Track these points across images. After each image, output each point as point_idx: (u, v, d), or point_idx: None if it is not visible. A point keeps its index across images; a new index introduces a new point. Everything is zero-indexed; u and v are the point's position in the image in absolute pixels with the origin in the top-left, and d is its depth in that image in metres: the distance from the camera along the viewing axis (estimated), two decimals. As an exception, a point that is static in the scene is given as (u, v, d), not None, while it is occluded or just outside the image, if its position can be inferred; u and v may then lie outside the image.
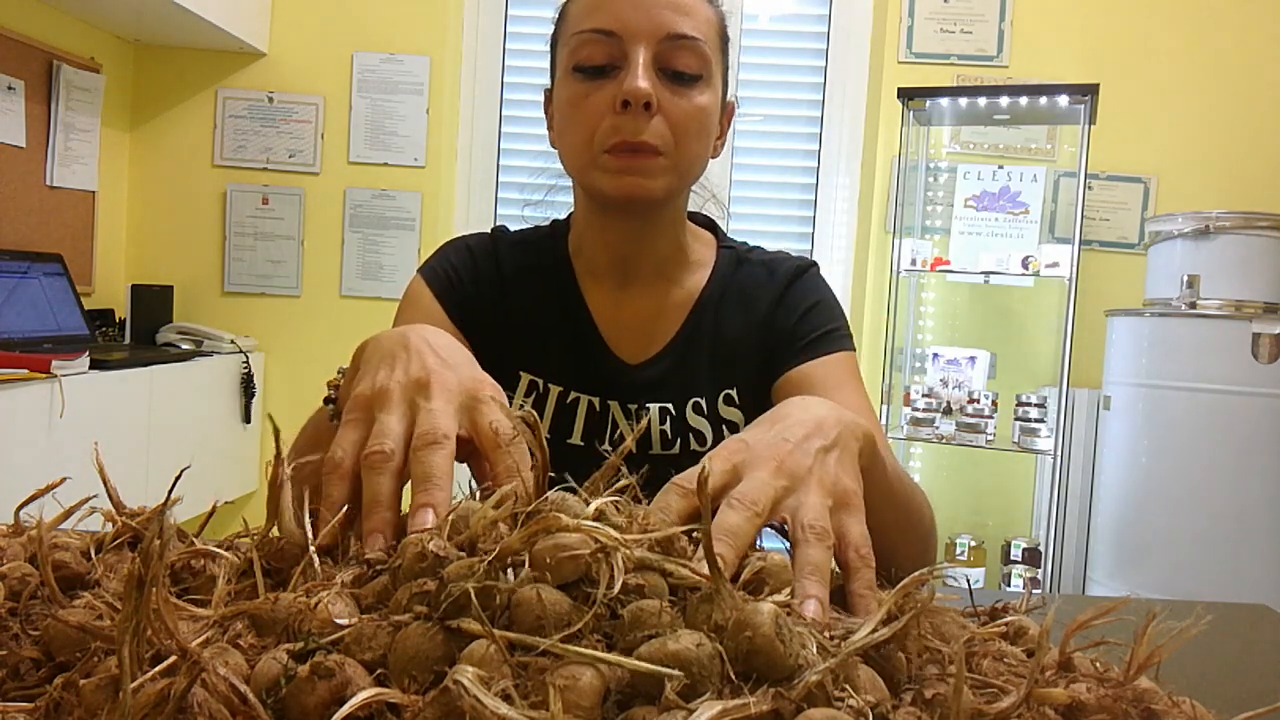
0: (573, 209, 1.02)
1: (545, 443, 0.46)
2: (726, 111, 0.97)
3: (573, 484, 0.43)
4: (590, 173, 0.89)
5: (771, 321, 0.98)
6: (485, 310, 0.99)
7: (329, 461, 0.51)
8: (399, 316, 0.98)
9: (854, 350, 0.97)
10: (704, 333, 0.99)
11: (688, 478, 0.49)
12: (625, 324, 0.99)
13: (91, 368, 2.21)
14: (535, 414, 0.46)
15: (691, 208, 1.02)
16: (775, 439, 0.52)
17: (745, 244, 1.05)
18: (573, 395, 0.98)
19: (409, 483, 0.50)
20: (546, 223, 1.06)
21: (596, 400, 0.98)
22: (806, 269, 1.02)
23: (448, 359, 0.57)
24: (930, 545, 0.76)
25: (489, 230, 1.05)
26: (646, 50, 0.85)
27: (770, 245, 1.06)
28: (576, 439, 0.97)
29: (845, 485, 0.52)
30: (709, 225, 1.06)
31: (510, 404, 0.56)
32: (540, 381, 0.98)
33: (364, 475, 0.49)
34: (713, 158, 0.97)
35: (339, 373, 0.67)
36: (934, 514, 0.77)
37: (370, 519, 0.47)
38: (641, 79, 0.84)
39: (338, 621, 0.35)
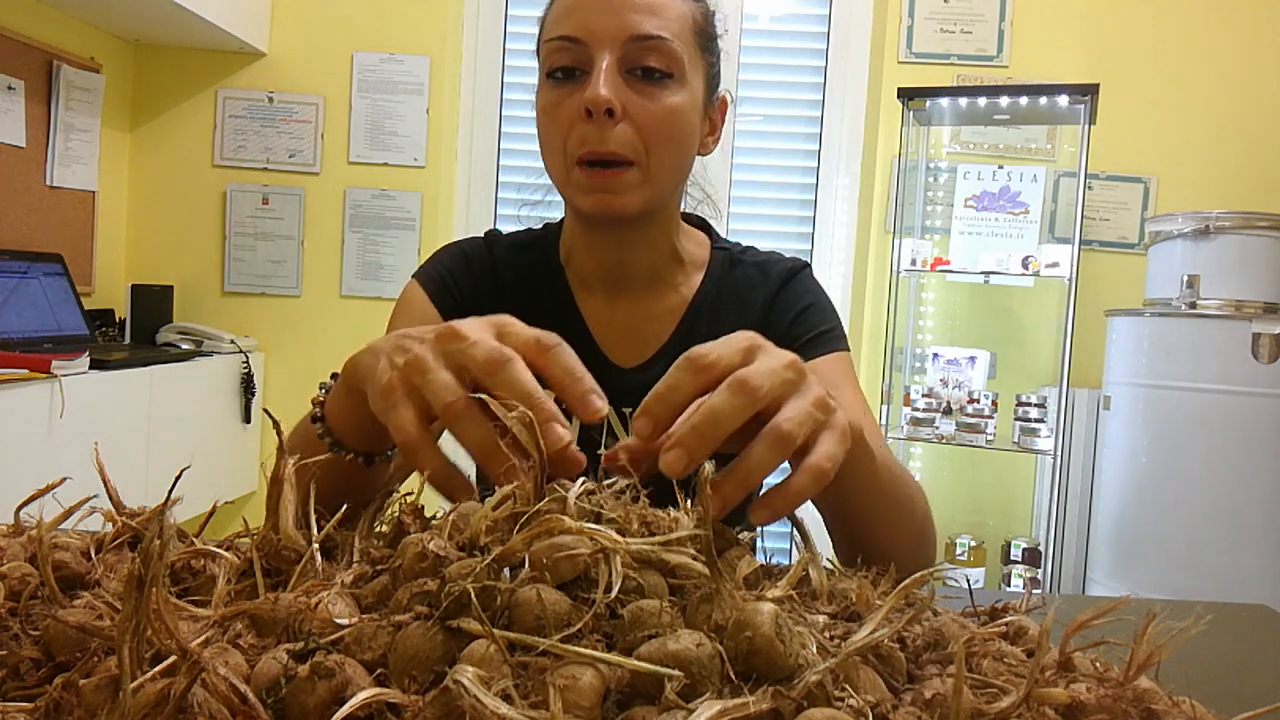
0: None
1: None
2: (719, 107, 0.96)
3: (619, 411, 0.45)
4: (566, 188, 0.89)
5: (765, 323, 0.97)
6: (481, 315, 0.98)
7: (401, 442, 0.48)
8: (394, 321, 0.97)
9: (848, 350, 0.97)
10: (698, 336, 0.98)
11: (702, 353, 0.50)
12: (619, 328, 0.98)
13: (91, 368, 2.21)
14: (531, 415, 0.45)
15: (686, 208, 1.02)
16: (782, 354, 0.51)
17: (738, 244, 1.05)
18: None
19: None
20: (539, 225, 1.05)
21: None
22: (800, 270, 1.01)
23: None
24: (926, 536, 0.75)
25: (483, 234, 1.04)
26: (610, 55, 0.84)
27: (770, 245, 1.06)
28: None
29: (842, 420, 0.51)
30: (702, 226, 1.06)
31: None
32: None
33: (453, 428, 0.47)
34: (704, 154, 0.96)
35: (332, 377, 0.63)
36: (929, 505, 0.76)
37: (495, 464, 0.45)
38: (602, 86, 0.83)
39: (338, 621, 0.35)
